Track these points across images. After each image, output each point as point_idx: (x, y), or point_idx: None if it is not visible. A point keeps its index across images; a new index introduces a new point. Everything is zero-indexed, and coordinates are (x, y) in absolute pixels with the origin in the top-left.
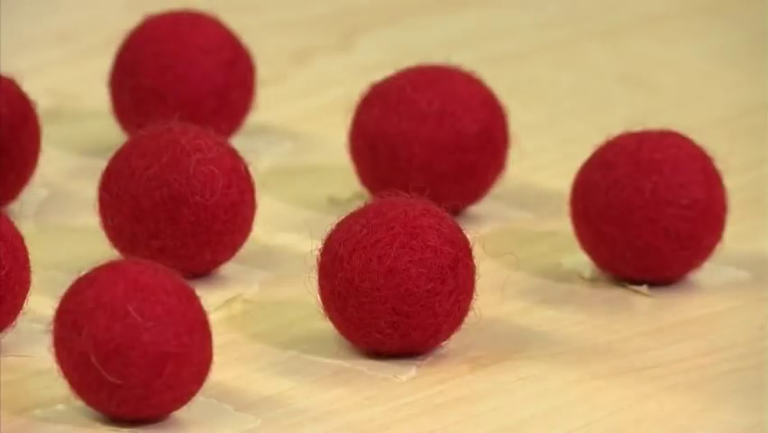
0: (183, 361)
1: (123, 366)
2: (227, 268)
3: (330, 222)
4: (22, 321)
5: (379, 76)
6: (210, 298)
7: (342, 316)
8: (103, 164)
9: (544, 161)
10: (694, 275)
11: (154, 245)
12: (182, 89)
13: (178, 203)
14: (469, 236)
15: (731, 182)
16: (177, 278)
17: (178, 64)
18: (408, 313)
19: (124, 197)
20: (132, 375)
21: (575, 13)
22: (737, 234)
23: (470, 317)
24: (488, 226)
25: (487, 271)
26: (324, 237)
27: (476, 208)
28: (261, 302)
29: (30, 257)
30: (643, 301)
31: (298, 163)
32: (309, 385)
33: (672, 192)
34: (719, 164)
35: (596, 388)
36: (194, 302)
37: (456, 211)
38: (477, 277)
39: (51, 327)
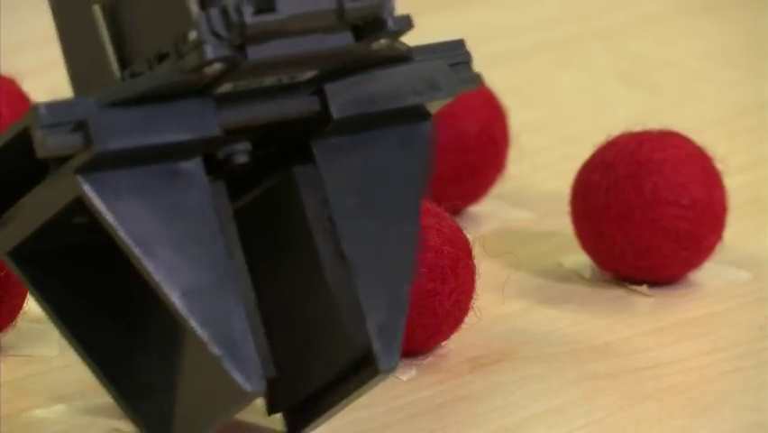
0: None
1: None
2: None
3: None
4: (22, 321)
5: None
6: None
7: None
8: None
9: (544, 160)
10: (694, 275)
11: None
12: None
13: None
14: (469, 236)
15: (731, 182)
16: None
17: None
18: (408, 313)
19: None
20: None
21: (575, 13)
22: (737, 234)
23: (470, 317)
24: (488, 226)
25: (487, 271)
26: None
27: (476, 208)
28: None
29: None
30: (643, 301)
31: None
32: None
33: (672, 192)
34: (719, 164)
35: (596, 388)
36: None
37: (456, 211)
38: (477, 277)
39: None
